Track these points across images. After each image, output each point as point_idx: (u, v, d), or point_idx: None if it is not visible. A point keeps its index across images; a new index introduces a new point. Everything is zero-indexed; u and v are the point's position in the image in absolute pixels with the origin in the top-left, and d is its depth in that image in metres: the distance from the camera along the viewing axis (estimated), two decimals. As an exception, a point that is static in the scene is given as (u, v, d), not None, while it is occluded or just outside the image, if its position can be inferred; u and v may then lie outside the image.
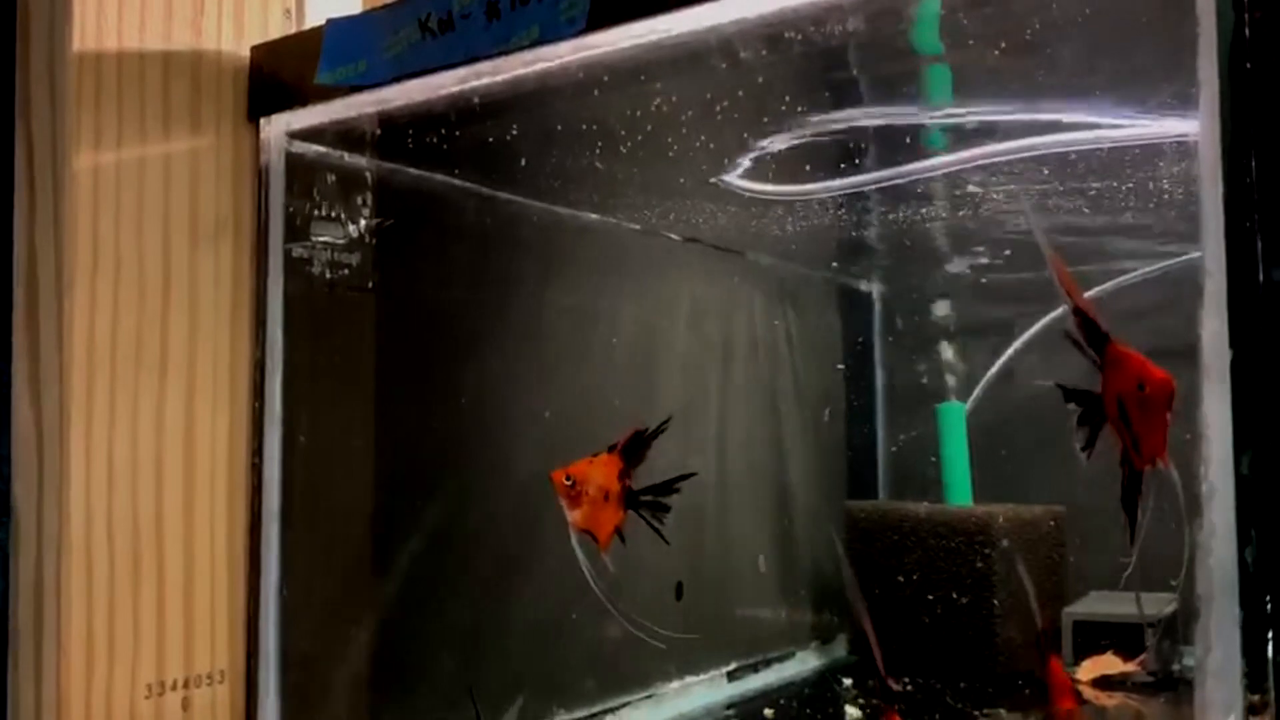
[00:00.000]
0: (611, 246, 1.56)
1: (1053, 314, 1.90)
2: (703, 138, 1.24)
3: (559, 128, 1.19)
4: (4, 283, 1.06)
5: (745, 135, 1.25)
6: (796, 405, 1.98)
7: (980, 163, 1.25)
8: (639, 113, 1.16)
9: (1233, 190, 0.71)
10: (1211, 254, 0.69)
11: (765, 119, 1.22)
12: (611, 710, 1.50)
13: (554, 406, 1.44)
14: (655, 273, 1.64)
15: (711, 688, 1.71)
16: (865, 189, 1.54)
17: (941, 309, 2.05)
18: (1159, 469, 0.74)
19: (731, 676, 1.75)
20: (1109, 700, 1.66)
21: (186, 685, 1.09)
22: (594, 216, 1.51)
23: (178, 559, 1.09)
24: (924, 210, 1.69)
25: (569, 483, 1.03)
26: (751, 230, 1.71)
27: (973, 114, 1.23)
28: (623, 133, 1.20)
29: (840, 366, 2.09)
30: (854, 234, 1.86)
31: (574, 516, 1.04)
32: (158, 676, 1.07)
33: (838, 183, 1.36)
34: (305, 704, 1.13)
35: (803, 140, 1.28)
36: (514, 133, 1.18)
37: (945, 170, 1.29)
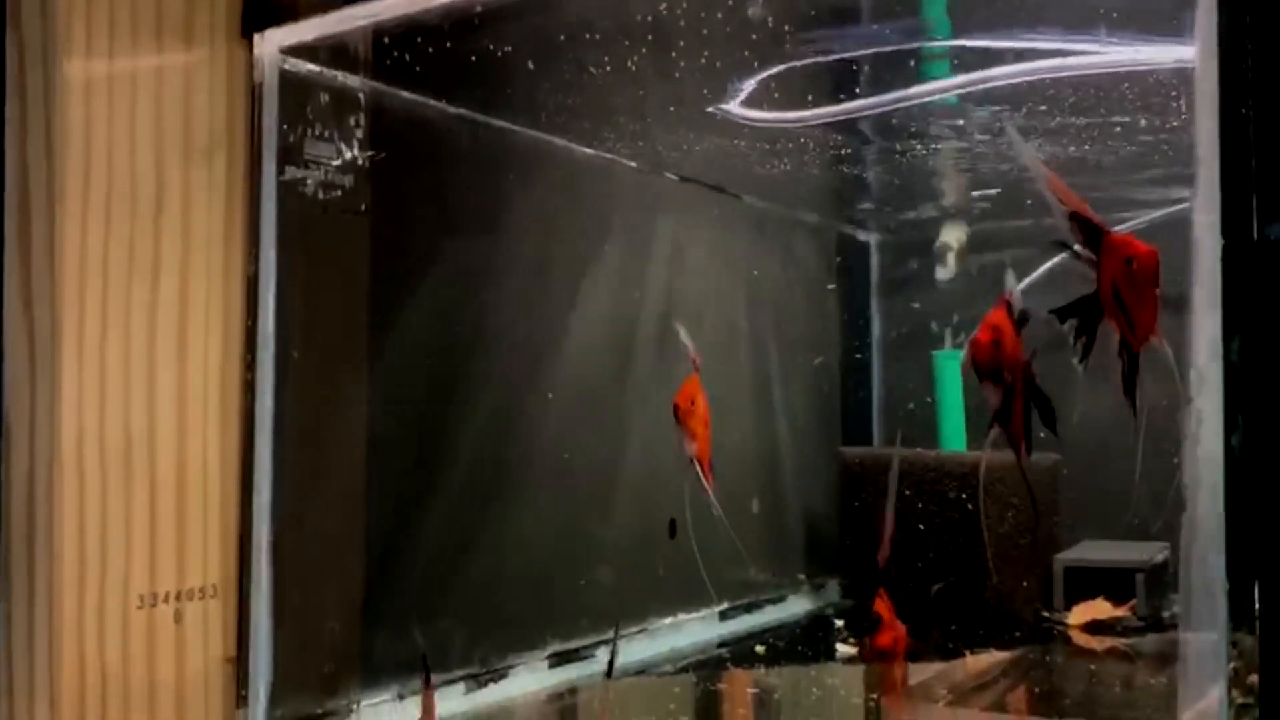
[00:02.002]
0: (607, 183, 1.56)
1: (1052, 260, 1.89)
2: (702, 59, 1.23)
3: (552, 45, 1.18)
4: (-6, 194, 1.06)
5: (743, 60, 1.25)
6: (792, 352, 1.98)
7: (977, 88, 1.25)
8: (633, 30, 1.15)
9: (1228, 89, 0.71)
10: (1204, 142, 0.69)
11: (763, 44, 1.21)
12: (605, 642, 1.51)
13: (546, 333, 1.45)
14: (651, 211, 1.64)
15: (704, 625, 1.72)
16: (863, 132, 1.54)
17: (939, 256, 2.05)
18: (1153, 346, 0.74)
19: (724, 616, 1.76)
20: (1098, 644, 1.67)
21: (179, 598, 1.09)
22: (588, 151, 1.50)
23: (170, 472, 1.09)
24: (922, 155, 1.69)
25: (692, 405, 1.02)
26: (749, 172, 1.71)
27: (970, 40, 1.22)
28: (621, 48, 1.19)
29: (843, 307, 2.09)
30: (852, 181, 1.85)
31: (692, 448, 1.04)
32: (150, 588, 1.07)
33: (835, 108, 1.35)
34: (297, 619, 1.14)
35: (802, 66, 1.28)
36: (508, 50, 1.17)
37: (940, 94, 1.28)
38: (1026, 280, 2.02)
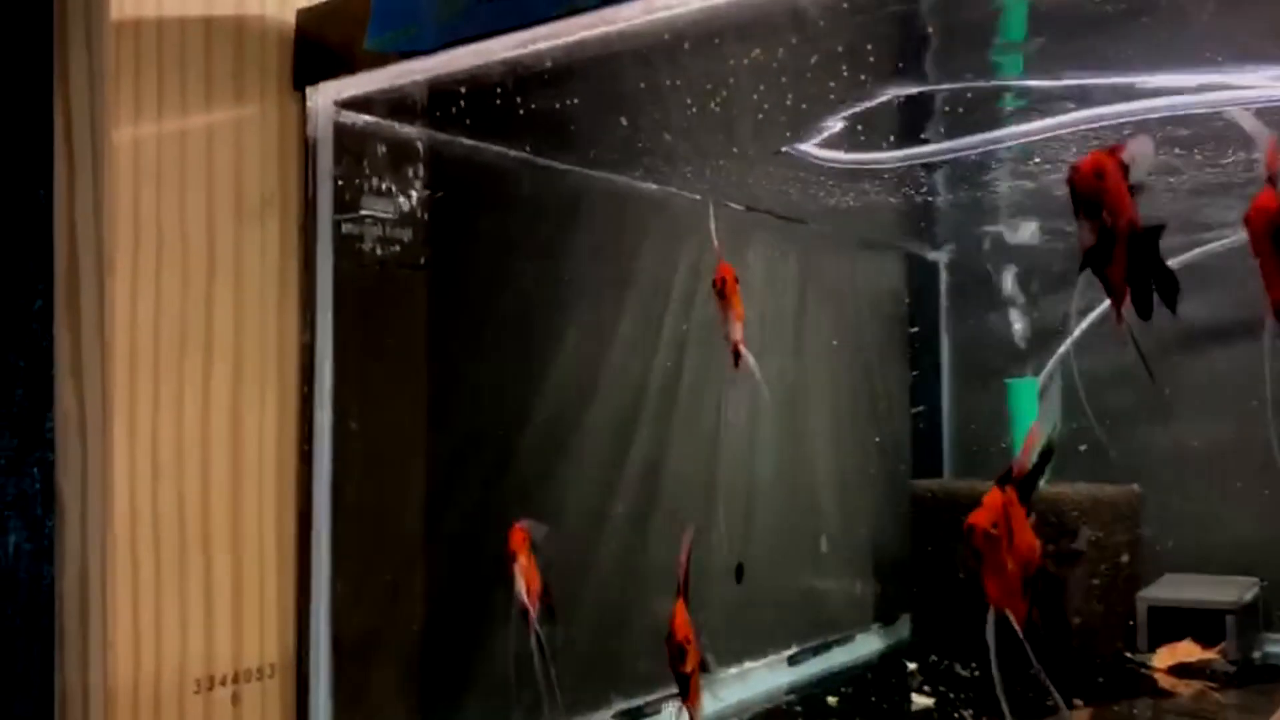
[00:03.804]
0: (673, 216, 1.49)
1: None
2: (772, 105, 1.16)
3: (621, 95, 1.12)
4: (45, 264, 1.02)
5: (817, 103, 1.18)
6: (861, 381, 1.91)
7: (1067, 130, 1.17)
8: (707, 79, 1.09)
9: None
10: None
11: (838, 86, 1.14)
12: (669, 697, 1.45)
13: (617, 383, 1.39)
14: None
15: (771, 672, 1.66)
16: (936, 159, 1.46)
17: (1011, 279, 1.96)
18: None
19: (792, 661, 1.70)
20: (1186, 689, 1.59)
21: (236, 680, 1.05)
22: (654, 187, 1.44)
23: (225, 550, 1.04)
24: (994, 179, 1.61)
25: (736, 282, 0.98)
26: (816, 200, 1.64)
27: (1056, 80, 1.14)
28: (690, 100, 1.13)
29: (911, 333, 2.01)
30: (921, 203, 1.78)
31: (737, 330, 0.99)
32: (206, 671, 1.03)
33: (909, 152, 1.28)
34: (357, 699, 1.09)
35: (874, 108, 1.21)
36: (574, 101, 1.11)
37: (1024, 140, 1.21)
38: (1084, 323, 1.95)
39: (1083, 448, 1.79)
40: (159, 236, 1.01)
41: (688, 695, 1.00)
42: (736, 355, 1.01)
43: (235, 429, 1.05)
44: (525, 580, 1.02)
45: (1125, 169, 0.71)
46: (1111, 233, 0.72)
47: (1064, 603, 1.67)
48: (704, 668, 1.01)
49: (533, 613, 1.02)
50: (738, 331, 0.99)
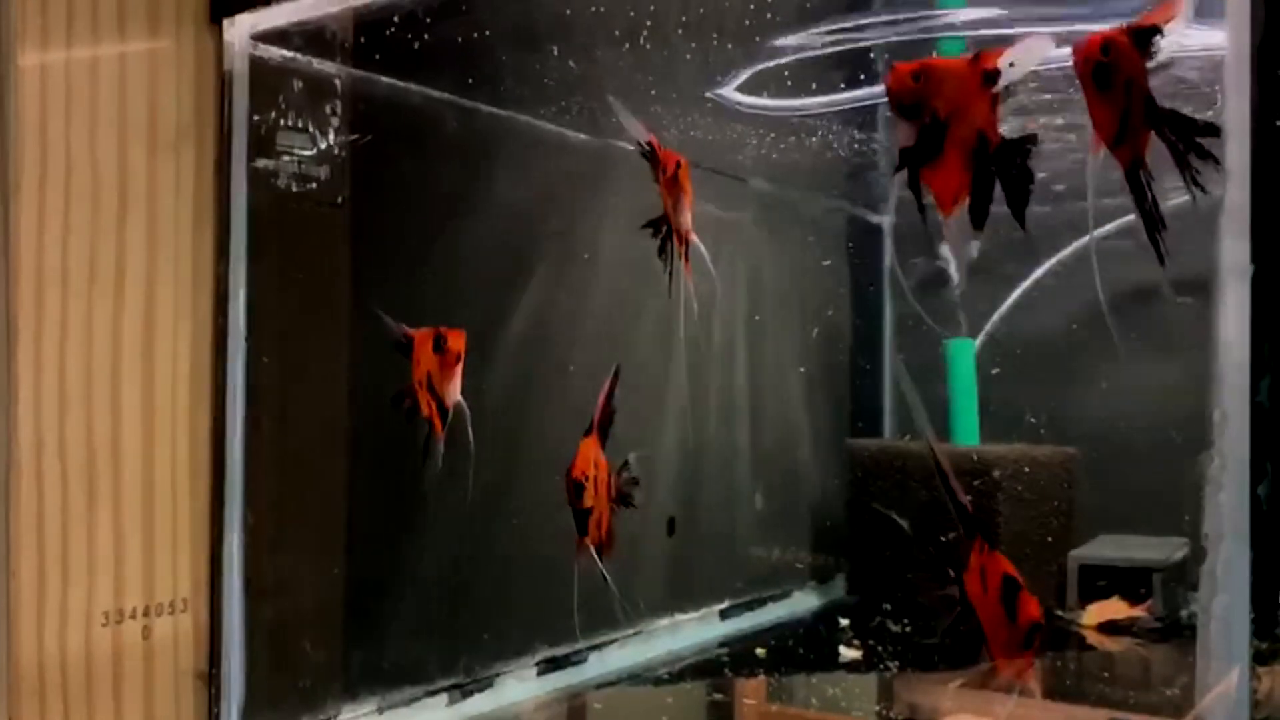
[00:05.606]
0: (599, 165, 1.48)
1: (1067, 249, 1.82)
2: (700, 44, 1.15)
3: (540, 30, 1.11)
4: (-55, 188, 1.00)
5: (746, 43, 1.17)
6: (800, 341, 1.92)
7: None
8: (631, 14, 1.08)
9: (1265, 94, 0.64)
10: (1234, 162, 0.62)
11: (767, 26, 1.14)
12: (598, 647, 1.46)
13: (536, 329, 1.38)
14: (648, 194, 1.56)
15: (704, 625, 1.67)
16: (875, 113, 1.47)
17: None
18: None
19: (725, 615, 1.71)
20: (1114, 645, 1.61)
21: (147, 613, 1.05)
22: (582, 136, 1.43)
23: (136, 482, 1.04)
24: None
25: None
26: (755, 155, 1.64)
27: (987, 22, 1.15)
28: (615, 35, 1.12)
29: (852, 293, 2.02)
30: (862, 163, 1.78)
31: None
32: (115, 604, 1.03)
33: (842, 97, 1.28)
34: (271, 631, 1.09)
35: (806, 52, 1.20)
36: (490, 34, 1.10)
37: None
38: (1022, 286, 1.95)
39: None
40: (67, 164, 1.00)
41: (585, 531, 0.97)
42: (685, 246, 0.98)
43: (146, 360, 1.04)
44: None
45: (994, 76, 0.69)
46: (937, 134, 0.69)
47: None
48: (626, 503, 0.98)
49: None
50: (688, 220, 0.97)
